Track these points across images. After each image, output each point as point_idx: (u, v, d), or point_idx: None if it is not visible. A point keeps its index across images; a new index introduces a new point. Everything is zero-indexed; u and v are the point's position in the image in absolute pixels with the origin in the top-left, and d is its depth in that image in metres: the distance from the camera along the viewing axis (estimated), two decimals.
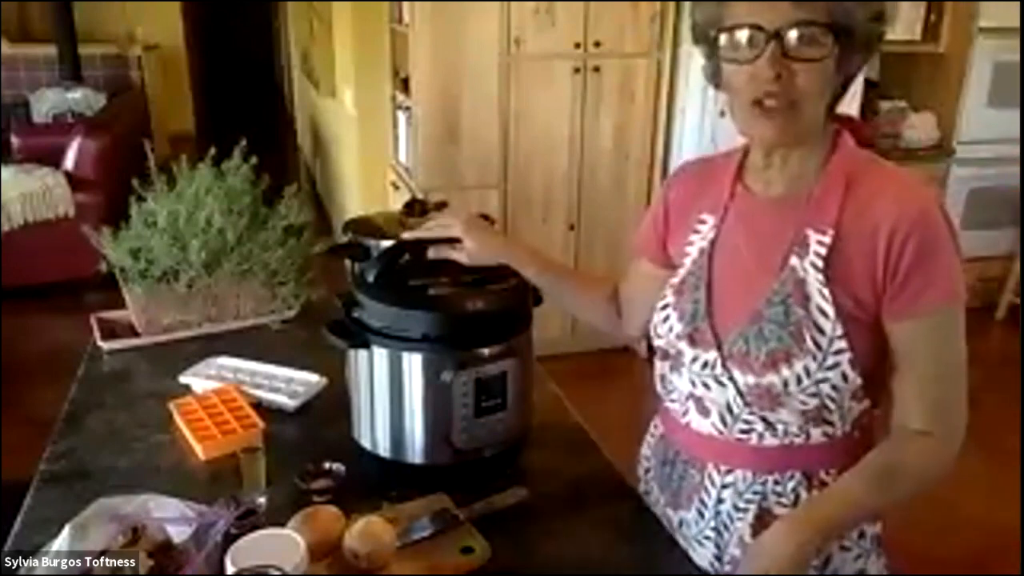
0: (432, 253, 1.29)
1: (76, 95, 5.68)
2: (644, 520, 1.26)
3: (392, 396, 1.27)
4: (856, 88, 3.71)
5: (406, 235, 1.33)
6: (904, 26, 3.98)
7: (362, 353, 1.27)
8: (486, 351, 1.23)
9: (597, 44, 3.42)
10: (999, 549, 2.62)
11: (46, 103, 5.73)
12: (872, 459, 1.09)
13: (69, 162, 4.45)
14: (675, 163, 3.63)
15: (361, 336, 1.25)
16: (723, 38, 1.03)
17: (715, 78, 1.10)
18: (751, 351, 1.08)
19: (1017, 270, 4.25)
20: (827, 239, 1.05)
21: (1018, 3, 3.75)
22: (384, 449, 1.30)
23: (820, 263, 1.05)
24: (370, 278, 1.27)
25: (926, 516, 2.72)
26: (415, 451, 1.28)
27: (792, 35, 0.98)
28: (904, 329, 1.06)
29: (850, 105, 3.67)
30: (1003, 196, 4.23)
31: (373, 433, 1.31)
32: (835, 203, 1.06)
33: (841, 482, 1.10)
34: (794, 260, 1.07)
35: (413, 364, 1.24)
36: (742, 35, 1.01)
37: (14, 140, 4.81)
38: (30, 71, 5.94)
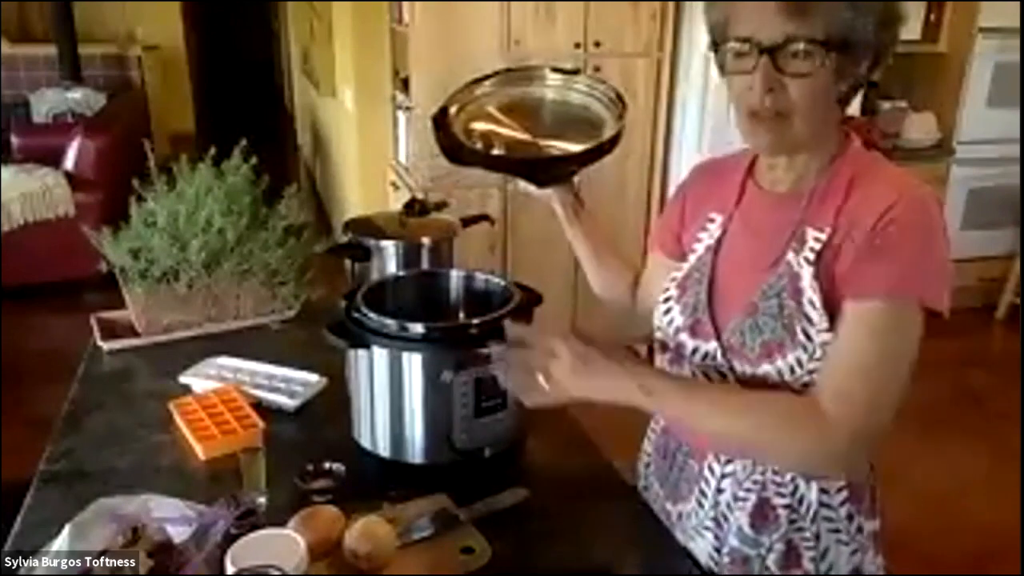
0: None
1: (76, 95, 5.67)
2: (644, 520, 1.26)
3: (392, 396, 1.27)
4: None
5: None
6: (904, 26, 3.98)
7: (362, 353, 1.27)
8: (486, 351, 1.23)
9: (597, 44, 3.41)
10: (999, 549, 2.62)
11: (46, 103, 5.72)
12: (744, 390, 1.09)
13: (69, 162, 4.46)
14: (675, 163, 3.63)
15: (361, 336, 1.25)
16: (725, 46, 1.06)
17: (724, 73, 1.12)
18: (747, 342, 1.10)
19: (1017, 270, 4.25)
20: (823, 236, 1.07)
21: (1018, 3, 3.75)
22: (384, 449, 1.30)
23: (812, 257, 1.07)
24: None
25: (926, 516, 2.72)
26: (415, 451, 1.28)
27: (785, 50, 1.00)
28: (848, 309, 1.03)
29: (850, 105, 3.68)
30: (1003, 196, 4.23)
31: (373, 433, 1.31)
32: (835, 202, 1.07)
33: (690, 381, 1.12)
34: (790, 255, 1.09)
35: (413, 364, 1.24)
36: (740, 47, 1.03)
37: (14, 140, 4.81)
38: (30, 71, 5.93)
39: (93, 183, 4.40)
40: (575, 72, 1.45)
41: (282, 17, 8.26)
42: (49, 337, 3.84)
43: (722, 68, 1.09)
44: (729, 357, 1.12)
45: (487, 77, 1.44)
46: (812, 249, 1.07)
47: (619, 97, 1.38)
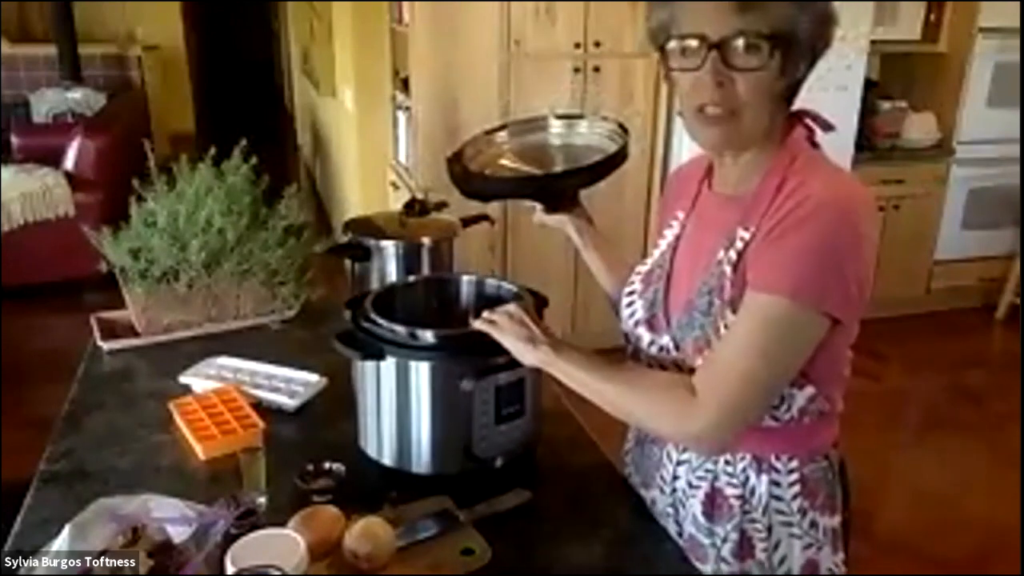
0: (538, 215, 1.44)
1: (76, 95, 5.67)
2: (644, 520, 1.26)
3: (401, 405, 1.24)
4: (856, 88, 3.72)
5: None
6: (904, 26, 3.98)
7: (372, 362, 1.25)
8: (502, 359, 1.19)
9: (597, 44, 3.42)
10: (999, 549, 2.62)
11: (46, 103, 5.72)
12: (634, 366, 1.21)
13: (69, 162, 4.45)
14: (675, 163, 3.63)
15: (373, 346, 1.23)
16: (671, 44, 1.07)
17: (668, 78, 1.13)
18: (684, 338, 1.13)
19: (1017, 270, 4.24)
20: (747, 236, 1.08)
21: (1018, 3, 3.75)
22: (389, 458, 1.28)
23: (734, 257, 1.09)
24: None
25: (926, 516, 2.72)
26: (422, 462, 1.26)
27: (734, 45, 1.01)
28: (746, 299, 1.05)
29: (851, 105, 3.68)
30: (1003, 196, 4.23)
31: (379, 442, 1.29)
32: (766, 200, 1.08)
33: (595, 356, 1.15)
34: (721, 254, 1.12)
35: (423, 372, 1.22)
36: (687, 43, 1.04)
37: (14, 140, 4.81)
38: (30, 71, 5.93)
39: (93, 183, 4.40)
40: (578, 116, 1.53)
41: (282, 17, 8.27)
42: (49, 337, 3.84)
43: (668, 70, 1.10)
44: (681, 351, 1.15)
45: (496, 129, 1.53)
46: (736, 249, 1.09)
47: (621, 127, 1.44)
